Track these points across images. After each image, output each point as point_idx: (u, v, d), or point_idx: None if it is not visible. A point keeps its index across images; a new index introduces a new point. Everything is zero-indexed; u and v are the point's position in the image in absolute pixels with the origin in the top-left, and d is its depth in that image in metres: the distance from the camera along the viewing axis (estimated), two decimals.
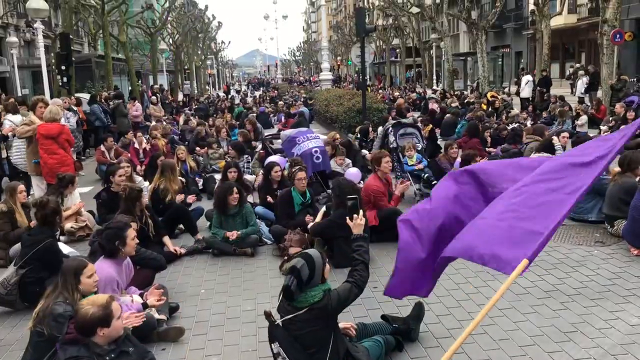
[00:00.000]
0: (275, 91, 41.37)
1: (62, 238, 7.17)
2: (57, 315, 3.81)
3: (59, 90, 18.89)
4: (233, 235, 6.70)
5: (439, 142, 12.75)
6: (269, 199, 7.80)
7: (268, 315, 3.67)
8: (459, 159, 8.68)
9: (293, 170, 7.35)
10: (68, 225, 7.52)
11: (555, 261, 6.02)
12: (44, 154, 8.65)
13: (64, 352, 3.41)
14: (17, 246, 5.93)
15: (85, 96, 18.34)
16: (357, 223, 4.05)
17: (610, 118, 14.64)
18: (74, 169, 9.28)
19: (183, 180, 9.03)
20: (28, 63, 29.52)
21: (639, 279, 5.42)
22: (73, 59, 18.64)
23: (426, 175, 8.84)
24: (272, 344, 3.67)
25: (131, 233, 4.78)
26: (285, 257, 5.82)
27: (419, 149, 9.32)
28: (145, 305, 4.71)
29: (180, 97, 38.52)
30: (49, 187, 8.18)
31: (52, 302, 3.91)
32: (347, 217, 4.10)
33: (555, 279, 5.53)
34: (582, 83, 21.95)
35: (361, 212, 4.14)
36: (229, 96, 41.84)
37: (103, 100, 17.00)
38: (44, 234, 5.44)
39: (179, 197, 7.85)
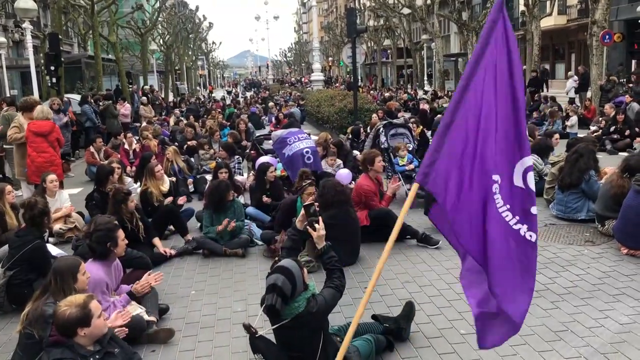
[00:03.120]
0: (267, 92, 41.38)
1: (50, 239, 7.12)
2: (47, 317, 3.77)
3: (48, 91, 18.78)
4: (230, 226, 6.64)
5: (430, 143, 12.78)
6: (265, 199, 7.81)
7: (247, 327, 3.59)
8: None
9: (303, 184, 7.22)
10: (57, 226, 7.46)
11: (546, 260, 6.04)
12: (33, 152, 8.61)
13: (48, 355, 3.37)
14: (5, 247, 5.86)
15: (75, 97, 18.24)
16: (319, 235, 3.83)
17: (600, 118, 14.75)
18: (62, 170, 9.21)
19: (173, 180, 8.99)
20: (17, 63, 29.26)
21: (628, 278, 5.44)
22: (62, 59, 18.55)
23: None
24: (255, 355, 3.65)
25: (121, 234, 4.78)
26: (276, 259, 5.79)
27: (410, 149, 9.32)
28: (131, 295, 4.67)
29: (171, 97, 38.41)
30: (36, 188, 8.12)
31: (42, 304, 3.87)
32: (308, 226, 3.87)
33: (546, 279, 5.54)
34: (572, 83, 22.11)
35: (321, 221, 3.89)
36: (221, 97, 41.82)
37: (93, 101, 16.90)
38: (32, 235, 5.38)
39: (168, 200, 7.82)
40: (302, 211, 3.96)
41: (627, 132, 12.80)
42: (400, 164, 9.03)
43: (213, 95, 49.35)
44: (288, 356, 3.63)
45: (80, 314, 3.37)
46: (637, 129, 13.03)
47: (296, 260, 3.79)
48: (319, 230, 3.83)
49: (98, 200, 7.56)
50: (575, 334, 4.40)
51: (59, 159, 9.01)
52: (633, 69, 23.74)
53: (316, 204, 4.16)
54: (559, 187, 7.51)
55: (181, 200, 8.09)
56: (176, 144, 14.59)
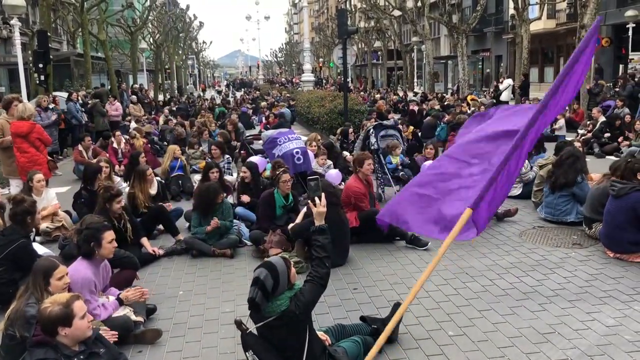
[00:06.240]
0: (257, 92, 41.34)
1: (37, 238, 7.05)
2: (29, 317, 3.72)
3: (37, 89, 18.60)
4: (215, 223, 6.64)
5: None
6: (244, 197, 7.83)
7: (239, 324, 3.62)
8: (431, 161, 8.68)
9: (277, 172, 7.28)
10: (44, 225, 7.38)
11: (534, 263, 6.07)
12: (17, 152, 8.60)
13: (31, 355, 3.33)
14: None
15: (63, 95, 18.10)
16: (319, 211, 3.76)
17: (588, 122, 14.86)
18: (48, 169, 9.13)
19: (162, 180, 8.92)
20: (4, 60, 28.94)
21: (615, 281, 5.48)
22: (51, 57, 18.39)
23: (405, 175, 8.87)
24: (247, 353, 3.63)
25: (108, 236, 4.65)
26: (265, 259, 5.77)
27: (400, 150, 9.35)
28: (120, 301, 4.64)
29: (161, 97, 38.21)
30: (24, 186, 8.05)
31: (24, 304, 3.82)
32: (309, 201, 3.82)
33: (534, 281, 5.57)
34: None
35: (323, 197, 3.83)
36: (210, 96, 41.77)
37: (80, 99, 16.77)
38: (18, 233, 5.33)
39: (168, 206, 7.94)
40: (301, 214, 3.94)
41: (621, 140, 12.91)
42: (392, 162, 9.05)
43: (203, 95, 49.29)
44: (277, 353, 3.62)
45: (61, 312, 3.32)
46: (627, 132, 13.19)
47: (285, 258, 3.78)
48: (319, 206, 3.77)
49: (86, 198, 7.50)
50: (562, 336, 4.42)
51: (42, 158, 8.93)
52: (620, 73, 23.96)
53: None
54: (550, 189, 7.52)
55: (168, 206, 8.04)
56: (165, 142, 14.57)
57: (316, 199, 3.78)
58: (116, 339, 4.15)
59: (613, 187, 6.08)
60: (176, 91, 48.23)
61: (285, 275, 3.60)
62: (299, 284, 3.73)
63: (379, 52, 55.93)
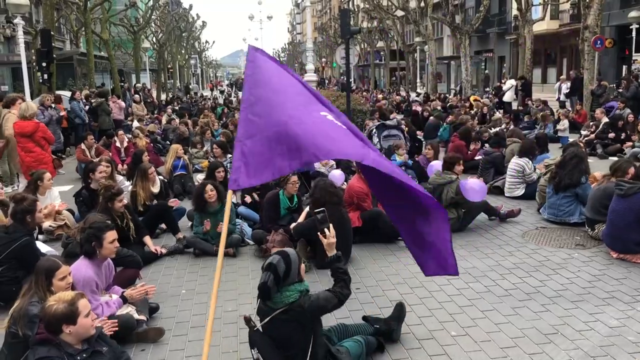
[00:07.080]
0: None
1: (40, 237, 7.06)
2: (32, 316, 3.73)
3: (40, 88, 18.64)
4: (207, 225, 6.65)
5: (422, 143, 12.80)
6: (247, 198, 7.80)
7: (247, 320, 3.64)
8: (438, 161, 8.67)
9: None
10: (46, 224, 7.38)
11: (537, 264, 6.06)
12: (21, 152, 8.61)
13: (34, 353, 3.33)
14: None
15: (66, 94, 18.12)
16: (329, 242, 3.83)
17: (591, 123, 14.84)
18: (53, 167, 9.15)
19: (165, 179, 8.92)
20: (8, 59, 29.00)
21: (618, 282, 5.47)
22: (54, 56, 18.41)
23: (409, 176, 8.89)
24: (252, 350, 3.64)
25: (110, 236, 4.64)
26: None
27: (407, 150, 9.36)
28: (124, 299, 4.64)
29: (163, 96, 38.22)
30: (29, 184, 8.06)
31: (27, 303, 3.82)
32: (319, 232, 3.88)
33: (537, 282, 5.56)
34: (566, 87, 22.27)
35: (332, 228, 3.88)
36: (213, 96, 41.82)
37: (84, 98, 16.78)
38: (21, 232, 5.33)
39: (174, 202, 7.92)
40: (303, 213, 3.97)
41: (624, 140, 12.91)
42: (397, 160, 9.06)
43: (211, 94, 49.43)
44: (281, 352, 3.63)
45: (66, 310, 3.33)
46: (628, 132, 13.17)
47: (298, 253, 3.81)
48: (329, 237, 3.83)
49: (86, 197, 7.51)
50: (565, 337, 4.41)
51: (48, 157, 8.95)
52: (623, 75, 23.90)
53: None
54: (554, 189, 7.50)
55: (172, 202, 8.03)
56: (168, 142, 14.59)
57: (325, 230, 3.81)
58: (116, 328, 4.16)
59: (620, 187, 6.05)
60: (182, 89, 48.42)
61: (297, 265, 3.64)
62: (307, 283, 3.75)
63: (382, 53, 55.87)
